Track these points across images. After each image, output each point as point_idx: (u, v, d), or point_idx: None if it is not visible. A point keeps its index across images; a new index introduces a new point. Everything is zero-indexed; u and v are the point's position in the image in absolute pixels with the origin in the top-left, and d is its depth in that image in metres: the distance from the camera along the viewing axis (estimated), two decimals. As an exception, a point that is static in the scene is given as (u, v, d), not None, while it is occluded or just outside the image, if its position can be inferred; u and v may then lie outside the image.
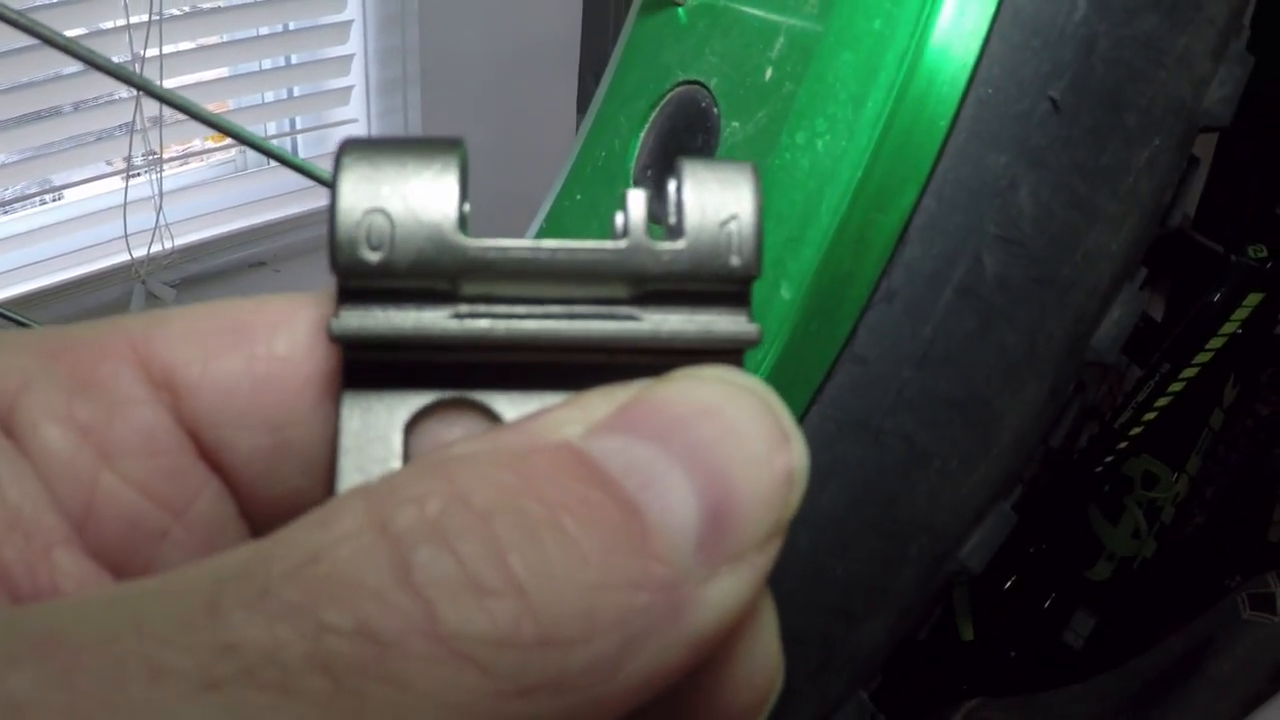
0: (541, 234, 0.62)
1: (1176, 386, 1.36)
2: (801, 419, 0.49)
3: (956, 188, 0.49)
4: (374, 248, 0.21)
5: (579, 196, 0.57)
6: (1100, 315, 0.55)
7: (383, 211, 0.21)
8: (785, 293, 0.47)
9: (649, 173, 0.57)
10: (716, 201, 0.22)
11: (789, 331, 0.47)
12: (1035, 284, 0.52)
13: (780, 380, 0.48)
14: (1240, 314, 1.34)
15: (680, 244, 0.21)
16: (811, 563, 0.52)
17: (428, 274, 0.21)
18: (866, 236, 0.48)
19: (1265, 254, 1.33)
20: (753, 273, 0.21)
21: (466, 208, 0.21)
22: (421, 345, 0.21)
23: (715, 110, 0.54)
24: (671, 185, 0.22)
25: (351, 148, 0.21)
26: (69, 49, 0.48)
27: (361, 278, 0.21)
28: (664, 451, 0.19)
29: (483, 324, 0.21)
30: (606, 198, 0.58)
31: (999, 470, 0.55)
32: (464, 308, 0.21)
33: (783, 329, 0.47)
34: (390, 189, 0.21)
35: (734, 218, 0.22)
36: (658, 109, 0.58)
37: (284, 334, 0.23)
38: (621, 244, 0.21)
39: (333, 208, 0.21)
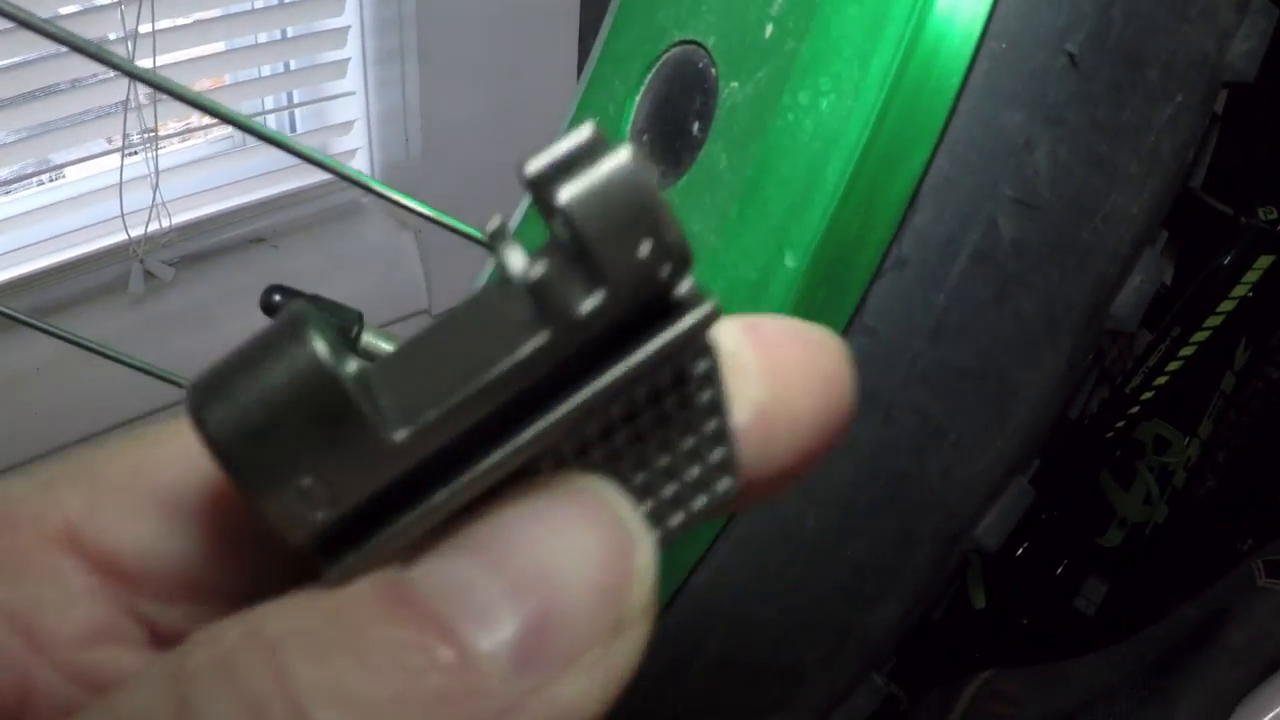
0: (530, 211, 0.59)
1: (1187, 350, 1.34)
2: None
3: (969, 148, 0.47)
4: (315, 508, 0.19)
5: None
6: (1120, 281, 0.53)
7: (302, 483, 0.19)
8: (790, 261, 0.44)
9: (645, 138, 0.54)
10: (618, 223, 0.18)
11: (794, 302, 0.44)
12: (1053, 249, 0.49)
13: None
14: (1251, 277, 1.32)
15: (600, 295, 0.18)
16: (820, 545, 0.50)
17: (374, 496, 0.19)
18: (875, 201, 0.45)
19: (1276, 216, 1.31)
20: (688, 264, 0.19)
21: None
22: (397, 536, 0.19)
23: (713, 71, 0.51)
24: (561, 231, 0.18)
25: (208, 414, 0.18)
26: (50, 33, 0.45)
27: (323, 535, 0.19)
28: (484, 569, 0.19)
29: (439, 497, 0.19)
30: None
31: (1015, 444, 0.53)
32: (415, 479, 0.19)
33: (788, 299, 0.44)
34: (299, 459, 0.18)
35: (644, 227, 0.19)
36: (653, 71, 0.55)
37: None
38: (540, 338, 0.19)
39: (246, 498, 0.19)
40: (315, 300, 0.49)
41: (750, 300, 0.45)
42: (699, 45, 0.52)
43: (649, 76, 0.55)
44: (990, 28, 0.46)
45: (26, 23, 0.44)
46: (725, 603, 0.50)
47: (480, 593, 0.19)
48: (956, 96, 0.46)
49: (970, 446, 0.51)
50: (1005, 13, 0.46)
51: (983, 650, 1.40)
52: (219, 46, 1.51)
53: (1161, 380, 1.34)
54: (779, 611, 0.51)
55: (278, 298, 0.46)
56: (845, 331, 0.47)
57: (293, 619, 0.18)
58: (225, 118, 0.44)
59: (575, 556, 0.19)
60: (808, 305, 0.45)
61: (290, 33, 1.57)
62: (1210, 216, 1.61)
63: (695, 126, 0.51)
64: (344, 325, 0.49)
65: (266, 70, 1.59)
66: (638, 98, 0.55)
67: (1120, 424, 1.35)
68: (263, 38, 1.55)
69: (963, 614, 1.39)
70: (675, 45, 0.53)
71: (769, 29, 0.48)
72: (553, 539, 0.19)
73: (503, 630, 0.18)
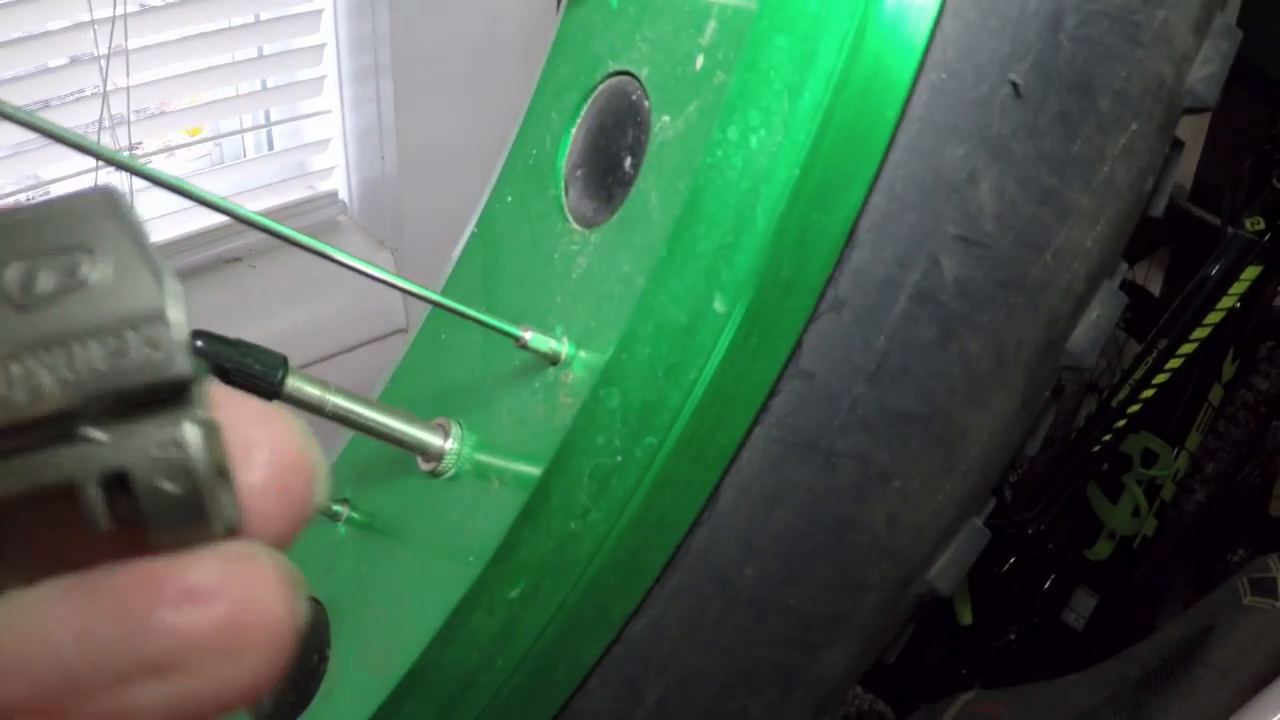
0: (473, 239, 0.57)
1: (1175, 363, 1.33)
2: (744, 441, 0.45)
3: (909, 184, 0.45)
4: None
5: (509, 198, 0.53)
6: (1076, 317, 0.51)
7: None
8: (719, 305, 0.43)
9: (579, 172, 0.52)
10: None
11: (726, 347, 0.43)
12: (1000, 287, 0.47)
13: (718, 400, 0.43)
14: (1238, 288, 1.31)
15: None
16: (760, 593, 0.48)
17: None
18: (808, 240, 0.43)
19: (1263, 226, 1.30)
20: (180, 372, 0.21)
21: None
22: None
23: (646, 103, 0.49)
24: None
25: None
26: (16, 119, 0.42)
27: None
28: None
29: None
30: (537, 199, 0.53)
31: (967, 487, 0.51)
32: None
33: (719, 345, 0.43)
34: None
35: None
36: (589, 101, 0.53)
37: None
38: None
39: None
40: (237, 345, 0.48)
41: (679, 345, 0.43)
42: (633, 76, 0.50)
43: (585, 108, 0.53)
44: (929, 57, 0.44)
45: None
46: (664, 653, 0.48)
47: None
48: (894, 130, 0.44)
49: (917, 491, 0.49)
50: (945, 41, 0.44)
51: (970, 666, 1.39)
52: (195, 64, 1.50)
53: (1149, 393, 1.33)
54: (721, 660, 0.49)
55: (199, 344, 0.45)
56: (780, 376, 0.45)
57: None
58: (199, 199, 0.41)
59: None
60: (738, 350, 0.43)
61: (266, 50, 1.57)
62: (1198, 228, 1.60)
63: (627, 162, 0.49)
64: (268, 369, 0.47)
65: (244, 88, 1.58)
66: (573, 130, 0.53)
67: (1107, 437, 1.34)
68: (239, 55, 1.54)
69: (950, 631, 1.38)
70: (610, 75, 0.52)
71: (699, 60, 0.46)
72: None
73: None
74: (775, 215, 0.42)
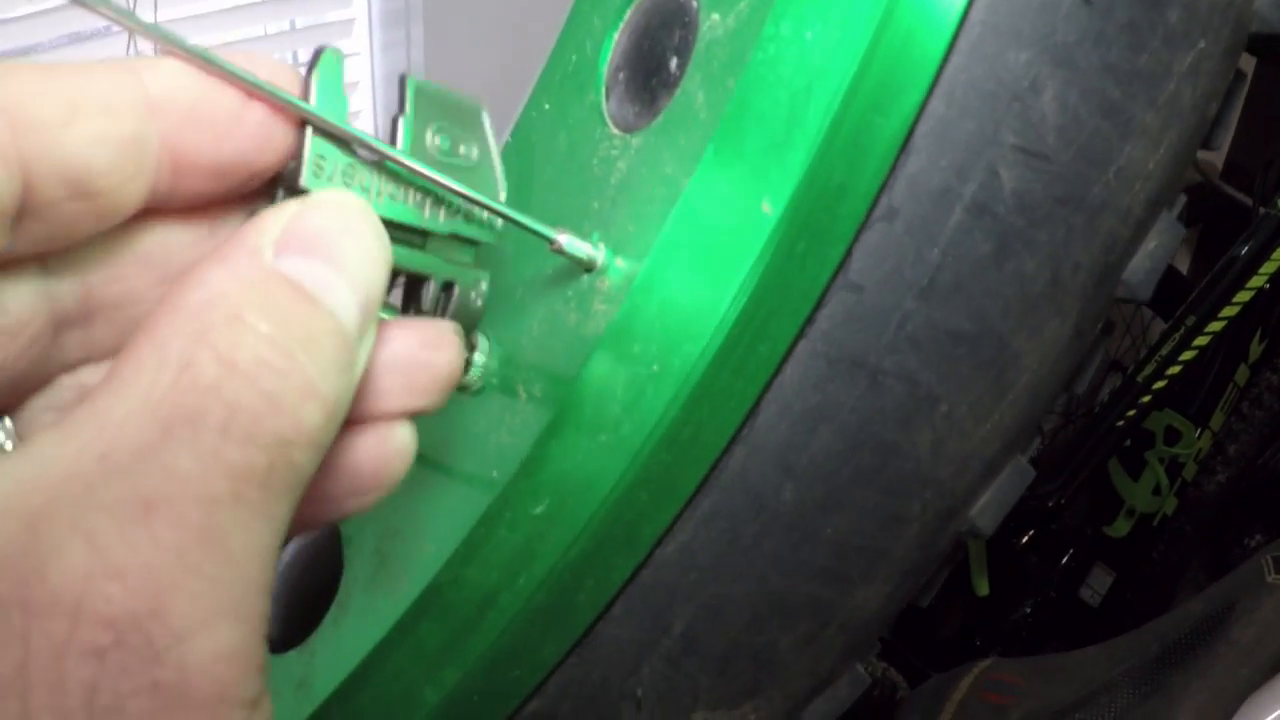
0: (508, 149, 0.55)
1: (1202, 340, 1.31)
2: (786, 355, 0.43)
3: (969, 89, 0.42)
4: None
5: (547, 106, 0.51)
6: (1134, 245, 0.48)
7: None
8: (768, 207, 0.40)
9: (621, 75, 0.50)
10: None
11: (772, 252, 0.40)
12: (1060, 204, 0.45)
13: (762, 309, 0.41)
14: (1269, 268, 1.29)
15: None
16: (798, 520, 0.46)
17: None
18: (863, 143, 0.41)
19: (1294, 207, 1.29)
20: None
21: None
22: None
23: (694, 3, 0.47)
24: None
25: None
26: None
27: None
28: (329, 268, 0.30)
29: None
30: (575, 105, 0.51)
31: (1015, 418, 0.49)
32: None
33: (765, 250, 0.40)
34: None
35: None
36: (633, 5, 0.51)
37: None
38: None
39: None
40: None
41: (723, 249, 0.41)
42: (680, -25, 0.48)
43: (629, 11, 0.51)
44: (995, -45, 0.42)
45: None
46: (692, 580, 0.46)
47: (332, 283, 0.30)
48: (955, 32, 0.41)
49: (965, 418, 0.47)
50: (1013, -60, 0.42)
51: (984, 638, 1.38)
52: (223, 3, 1.49)
53: (1174, 370, 1.31)
54: (751, 590, 0.47)
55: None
56: (827, 287, 0.42)
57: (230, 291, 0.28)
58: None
59: (371, 258, 0.32)
60: (785, 256, 0.41)
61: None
62: (1229, 206, 1.58)
63: (673, 63, 0.47)
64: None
65: (272, 28, 1.57)
66: (616, 34, 0.51)
67: (1131, 413, 1.32)
68: (268, -6, 1.53)
69: (965, 601, 1.37)
70: (656, -24, 0.49)
71: (753, -45, 0.44)
72: (353, 239, 0.31)
73: (352, 311, 0.30)
74: (830, 114, 0.40)
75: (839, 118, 0.40)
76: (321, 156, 0.34)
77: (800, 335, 0.43)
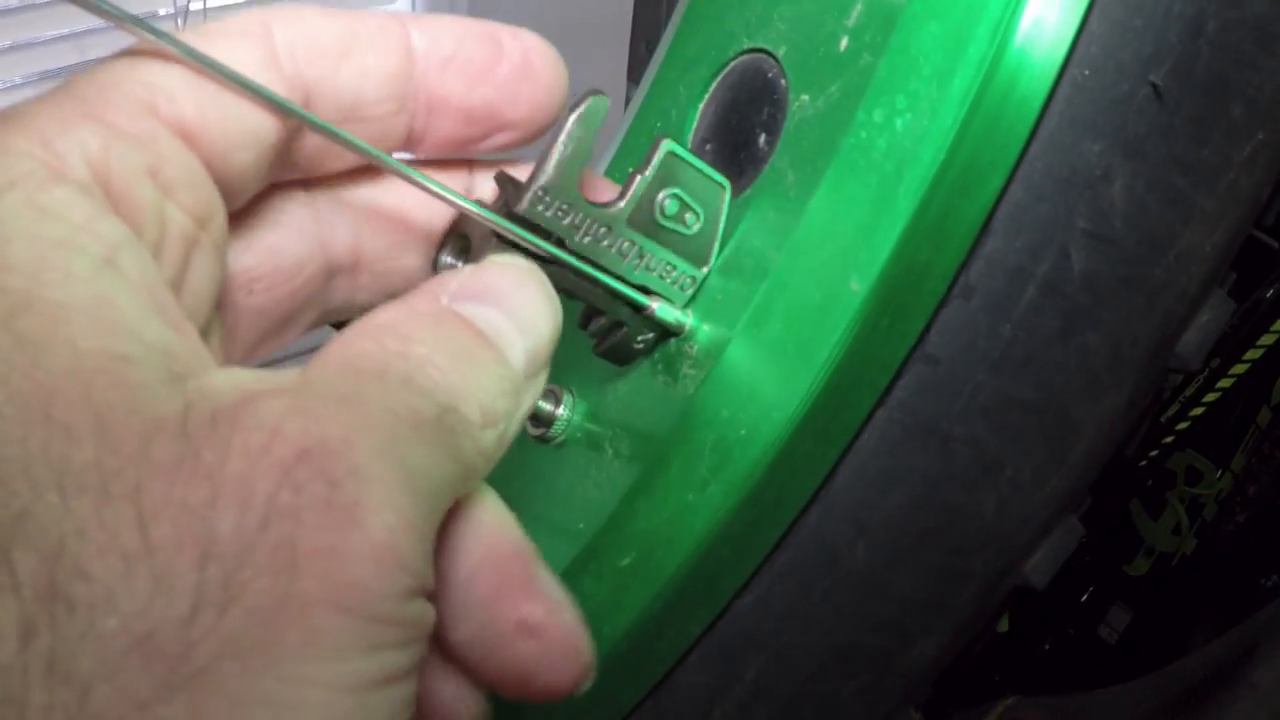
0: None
1: (1225, 383, 1.32)
2: (866, 421, 0.46)
3: (1046, 176, 0.45)
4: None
5: (630, 169, 0.54)
6: (1188, 320, 0.51)
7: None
8: (855, 284, 0.43)
9: (708, 146, 0.53)
10: None
11: (858, 328, 0.43)
12: (1124, 284, 0.47)
13: (845, 380, 0.44)
14: (1293, 310, 1.31)
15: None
16: (867, 575, 0.48)
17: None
18: (947, 225, 0.43)
19: (1323, 250, 1.30)
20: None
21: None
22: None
23: (783, 81, 0.49)
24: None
25: None
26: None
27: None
28: (499, 313, 0.34)
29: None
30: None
31: (1070, 482, 0.51)
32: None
33: (852, 325, 0.43)
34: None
35: None
36: (719, 78, 0.53)
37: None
38: None
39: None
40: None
41: (811, 323, 0.43)
42: (769, 54, 0.50)
43: (714, 84, 0.53)
44: (1074, 53, 0.44)
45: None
46: (766, 630, 0.48)
47: (501, 326, 0.34)
48: (1036, 122, 0.44)
49: (1027, 481, 0.49)
50: (1090, 39, 0.44)
51: (1003, 675, 1.39)
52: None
53: (1197, 411, 1.33)
54: (820, 641, 0.49)
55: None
56: (907, 359, 0.45)
57: (415, 330, 0.32)
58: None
59: (544, 315, 0.35)
60: (870, 331, 0.43)
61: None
62: (1254, 249, 1.60)
63: (762, 138, 0.49)
64: None
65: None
66: (701, 105, 0.54)
67: (1154, 453, 1.34)
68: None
69: (985, 637, 1.38)
70: (744, 53, 0.52)
71: (844, 42, 0.46)
72: (525, 295, 0.35)
73: (520, 354, 0.34)
74: (917, 198, 0.42)
75: (926, 202, 0.43)
76: (545, 191, 0.38)
77: (879, 403, 0.45)
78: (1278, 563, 1.51)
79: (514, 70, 0.38)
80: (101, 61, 0.32)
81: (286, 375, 0.29)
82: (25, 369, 0.25)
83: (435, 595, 0.30)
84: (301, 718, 0.24)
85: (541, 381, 0.36)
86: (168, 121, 0.32)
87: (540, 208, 0.38)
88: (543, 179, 0.38)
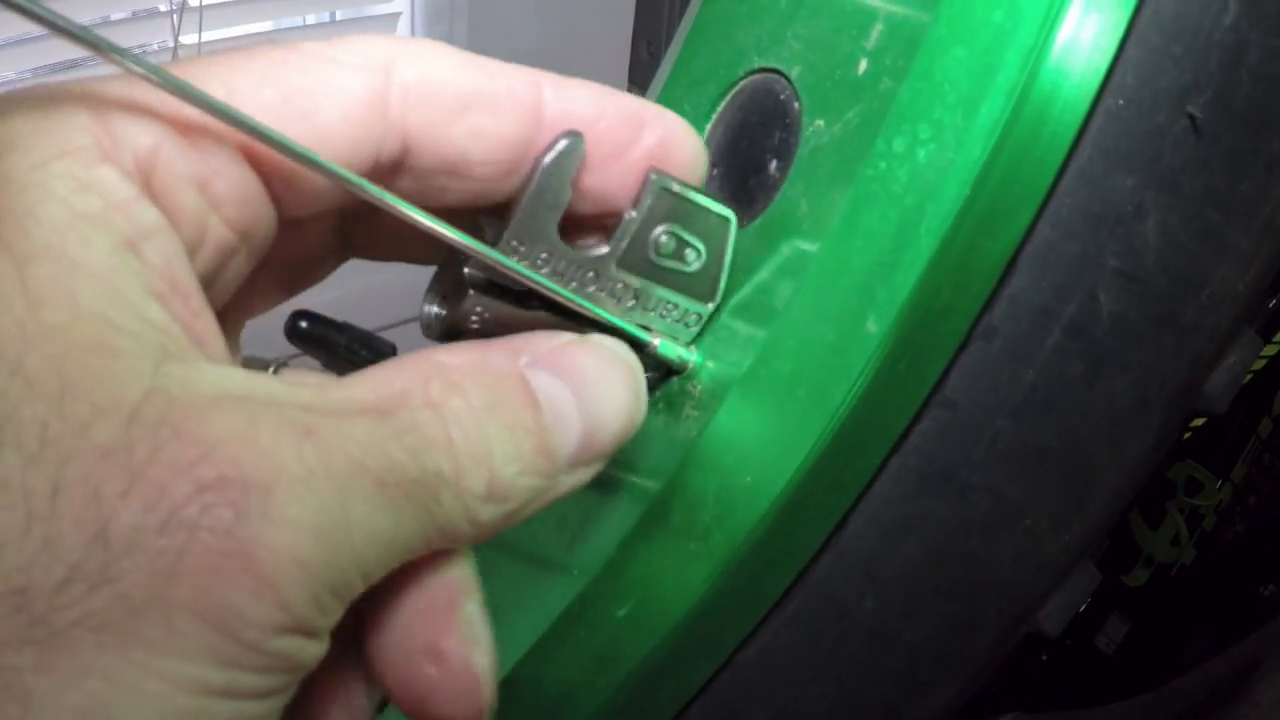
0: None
1: (1227, 392, 1.31)
2: (880, 468, 0.43)
3: (1075, 212, 0.42)
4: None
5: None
6: (1216, 361, 0.48)
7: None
8: (872, 325, 0.40)
9: (715, 171, 0.50)
10: None
11: (874, 371, 0.40)
12: (1153, 325, 0.45)
13: (860, 425, 0.41)
14: (1294, 323, 1.29)
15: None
16: (877, 626, 0.46)
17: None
18: (970, 264, 0.41)
19: (1327, 261, 1.28)
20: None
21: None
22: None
23: (796, 104, 0.47)
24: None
25: None
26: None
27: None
28: (570, 392, 0.34)
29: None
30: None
31: (1090, 528, 0.49)
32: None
33: (867, 368, 0.40)
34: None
35: None
36: (728, 98, 0.51)
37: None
38: None
39: None
40: (345, 330, 0.53)
41: (824, 365, 0.41)
42: (781, 75, 0.48)
43: (723, 104, 0.51)
44: (1109, 82, 0.41)
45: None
46: (771, 682, 0.46)
47: (564, 405, 0.34)
48: (1067, 156, 0.41)
49: (1046, 530, 0.47)
50: (1126, 67, 0.42)
51: (1000, 685, 1.38)
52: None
53: (1198, 421, 1.31)
54: (827, 693, 0.47)
55: (304, 324, 0.47)
56: (925, 404, 0.42)
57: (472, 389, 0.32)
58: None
59: (616, 408, 0.35)
60: (887, 374, 0.41)
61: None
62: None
63: (773, 165, 0.47)
64: (375, 356, 0.49)
65: (311, 19, 1.56)
66: (709, 126, 0.51)
67: (1155, 463, 1.32)
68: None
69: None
70: (754, 72, 0.49)
71: (863, 64, 0.44)
72: (607, 392, 0.35)
73: (571, 440, 0.34)
74: (940, 235, 0.40)
75: (949, 239, 0.40)
76: (519, 241, 0.36)
77: (894, 450, 0.43)
78: (1277, 573, 1.50)
79: (648, 154, 0.37)
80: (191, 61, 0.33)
81: (292, 388, 0.29)
82: (21, 316, 0.26)
83: (321, 633, 0.30)
84: (135, 699, 0.25)
85: (593, 471, 0.35)
86: (231, 137, 0.32)
87: (515, 259, 0.36)
88: (512, 228, 0.35)
